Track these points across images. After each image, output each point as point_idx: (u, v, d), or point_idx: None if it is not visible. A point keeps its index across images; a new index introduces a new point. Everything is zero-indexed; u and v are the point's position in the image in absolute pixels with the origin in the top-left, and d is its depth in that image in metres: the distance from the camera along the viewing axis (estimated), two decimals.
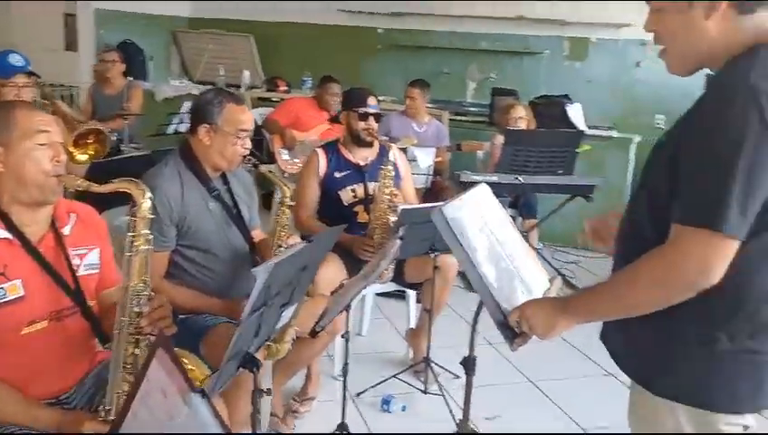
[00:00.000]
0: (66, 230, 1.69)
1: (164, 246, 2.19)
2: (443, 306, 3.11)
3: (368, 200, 3.13)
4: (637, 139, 5.21)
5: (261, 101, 6.14)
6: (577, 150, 4.07)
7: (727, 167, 1.16)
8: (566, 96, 5.27)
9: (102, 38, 6.63)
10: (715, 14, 1.25)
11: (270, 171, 2.49)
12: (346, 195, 3.14)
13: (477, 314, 1.95)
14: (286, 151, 4.87)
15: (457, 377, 3.12)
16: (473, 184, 4.04)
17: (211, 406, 1.09)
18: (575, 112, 5.06)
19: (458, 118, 5.86)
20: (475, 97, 6.73)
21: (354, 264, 2.98)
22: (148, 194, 1.57)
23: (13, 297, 1.53)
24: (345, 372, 2.36)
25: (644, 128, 5.91)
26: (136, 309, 1.53)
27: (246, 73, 6.40)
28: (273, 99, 6.17)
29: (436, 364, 3.06)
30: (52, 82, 6.15)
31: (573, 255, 5.03)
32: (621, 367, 1.50)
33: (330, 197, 3.13)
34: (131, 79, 5.38)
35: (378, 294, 3.53)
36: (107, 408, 1.52)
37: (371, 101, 3.15)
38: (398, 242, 2.30)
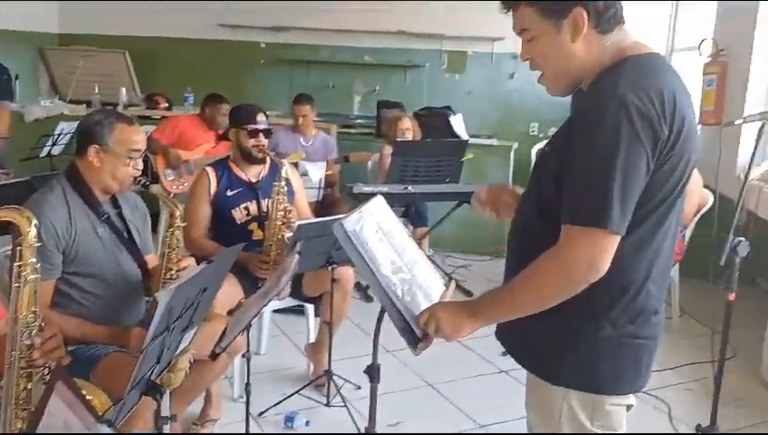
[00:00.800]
0: None
1: (50, 275, 2.08)
2: (343, 318, 3.14)
3: (262, 217, 3.11)
4: (515, 146, 5.50)
5: (140, 120, 5.87)
6: (462, 159, 4.25)
7: (606, 170, 1.28)
8: (448, 107, 5.49)
9: None
10: (579, 37, 1.38)
11: (162, 194, 2.42)
12: (239, 213, 3.11)
13: (379, 323, 1.99)
14: (171, 171, 4.73)
15: (359, 388, 3.16)
16: (365, 195, 4.16)
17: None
18: (457, 122, 5.27)
19: (346, 130, 5.93)
20: (361, 109, 6.86)
21: (250, 282, 2.96)
22: (34, 221, 1.49)
23: None
24: (248, 393, 2.34)
25: (520, 135, 6.27)
26: (26, 341, 1.45)
27: (123, 91, 6.15)
28: (154, 117, 5.97)
29: (337, 376, 3.08)
30: None
31: (463, 259, 5.23)
32: (518, 361, 1.61)
33: (222, 216, 3.08)
34: None
35: (274, 311, 3.51)
36: None
37: (260, 117, 3.14)
38: (297, 257, 2.32)
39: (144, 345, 1.36)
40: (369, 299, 4.34)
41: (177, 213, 2.23)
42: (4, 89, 6.10)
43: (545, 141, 5.85)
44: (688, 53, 5.26)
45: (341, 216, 1.65)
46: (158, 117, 5.85)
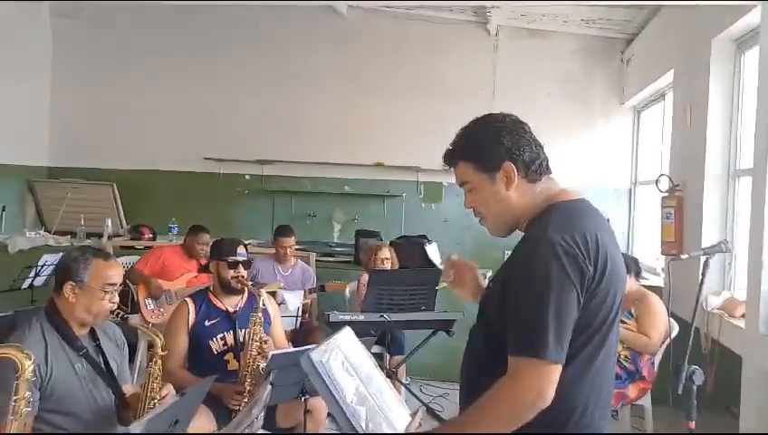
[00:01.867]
0: None
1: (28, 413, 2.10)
2: None
3: (237, 348, 3.17)
4: (489, 273, 5.64)
5: (125, 250, 6.04)
6: (437, 287, 4.37)
7: (541, 305, 1.43)
8: (424, 236, 5.69)
9: None
10: (512, 186, 1.59)
11: (141, 325, 2.49)
12: (216, 344, 3.17)
13: None
14: (151, 301, 4.79)
15: None
16: (341, 323, 4.22)
17: None
18: (432, 251, 5.45)
19: (325, 258, 6.08)
20: (340, 238, 7.06)
21: (225, 414, 2.97)
22: (33, 357, 1.58)
23: None
24: None
25: (494, 262, 6.33)
26: None
27: (109, 222, 6.32)
28: (138, 247, 6.11)
29: None
30: None
31: (441, 388, 5.22)
32: None
33: (199, 346, 3.14)
34: None
35: None
36: None
37: (240, 249, 3.29)
38: (269, 387, 2.36)
39: None
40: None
41: (159, 342, 2.30)
42: None
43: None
44: (649, 186, 5.58)
45: (311, 346, 1.74)
46: (142, 247, 5.98)
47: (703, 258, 2.48)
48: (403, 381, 4.72)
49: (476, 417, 1.51)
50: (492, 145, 1.61)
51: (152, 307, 4.74)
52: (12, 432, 1.57)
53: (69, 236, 6.28)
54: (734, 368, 3.61)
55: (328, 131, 7.05)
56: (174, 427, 1.69)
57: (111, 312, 2.35)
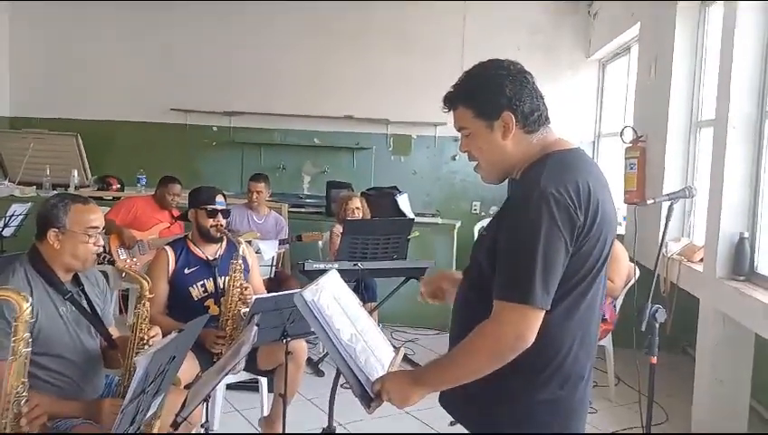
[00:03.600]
0: None
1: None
2: (296, 390, 3.23)
3: (218, 294, 3.23)
4: (458, 224, 5.79)
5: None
6: (408, 237, 4.49)
7: (529, 253, 1.48)
8: (395, 187, 5.77)
9: None
10: (509, 135, 1.62)
11: (128, 268, 2.52)
12: (196, 290, 3.23)
13: (333, 391, 2.12)
14: (124, 250, 4.80)
15: None
16: (316, 272, 4.30)
17: None
18: (404, 202, 5.54)
19: (296, 210, 6.13)
20: (310, 190, 7.11)
21: (206, 357, 3.05)
22: (31, 300, 1.62)
23: None
24: None
25: (463, 214, 6.60)
26: (15, 410, 1.55)
27: (75, 173, 6.23)
28: (106, 197, 6.05)
29: None
30: None
31: (411, 333, 5.39)
32: (460, 422, 1.77)
33: (180, 293, 3.19)
34: None
35: (227, 387, 3.56)
36: None
37: (219, 198, 3.32)
38: (255, 329, 2.44)
39: (122, 407, 1.47)
40: (320, 374, 4.43)
41: (146, 285, 2.35)
42: None
43: (487, 220, 6.15)
44: (613, 138, 5.74)
45: (298, 290, 1.81)
46: (110, 198, 5.93)
47: (667, 204, 2.61)
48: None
49: (459, 356, 1.59)
50: (493, 93, 1.60)
51: (124, 257, 4.75)
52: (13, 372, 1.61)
53: (34, 187, 6.17)
54: (691, 310, 3.84)
55: (297, 83, 7.01)
56: (171, 363, 1.76)
57: (98, 256, 2.37)
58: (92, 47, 7.12)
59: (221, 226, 3.29)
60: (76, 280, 2.43)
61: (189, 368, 2.90)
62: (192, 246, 3.30)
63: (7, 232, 4.89)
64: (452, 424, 3.79)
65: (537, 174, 1.55)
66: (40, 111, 7.18)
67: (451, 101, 1.69)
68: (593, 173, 1.62)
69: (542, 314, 1.51)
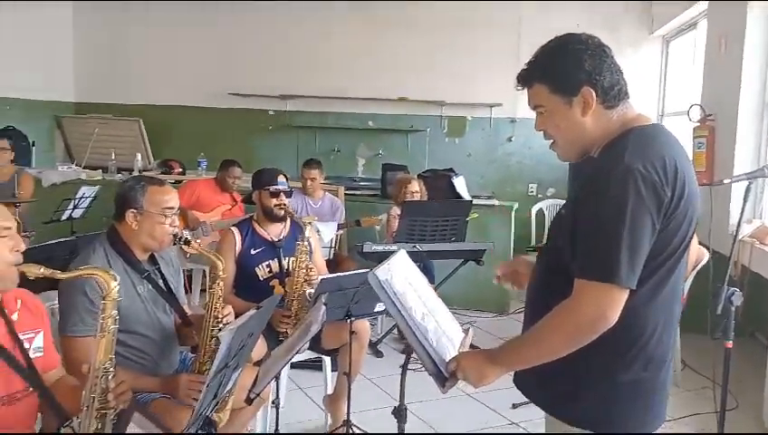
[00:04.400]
0: (14, 316, 1.74)
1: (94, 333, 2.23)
2: (359, 369, 3.27)
3: (282, 274, 3.29)
4: (515, 206, 5.73)
5: None
6: (467, 218, 4.46)
7: (615, 231, 1.44)
8: (451, 169, 5.73)
9: None
10: (589, 111, 1.57)
11: (204, 249, 2.58)
12: (261, 270, 3.29)
13: (404, 368, 2.13)
14: (188, 232, 4.91)
15: None
16: (375, 253, 4.31)
17: None
18: (460, 184, 5.50)
19: (351, 192, 6.16)
20: (365, 172, 7.13)
21: (273, 335, 3.11)
22: (118, 278, 1.68)
23: None
24: None
25: (520, 196, 6.52)
26: (102, 385, 1.61)
27: (138, 156, 6.41)
28: (168, 181, 6.19)
29: (355, 426, 3.18)
30: None
31: (468, 316, 5.37)
32: (537, 403, 1.76)
33: (246, 273, 3.25)
34: (20, 167, 5.26)
35: (291, 366, 3.63)
36: None
37: (281, 178, 3.37)
38: (324, 308, 2.48)
39: (208, 380, 1.52)
40: (379, 354, 4.47)
41: (221, 265, 2.41)
42: (23, 155, 6.36)
43: (544, 202, 6.03)
44: (677, 117, 5.56)
45: (366, 269, 1.81)
46: (173, 181, 6.08)
47: (740, 184, 2.52)
48: None
49: (538, 335, 1.57)
50: (572, 68, 1.55)
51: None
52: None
53: (100, 171, 6.38)
54: (761, 294, 3.71)
55: (352, 66, 7.02)
56: (249, 339, 1.80)
57: (174, 236, 2.43)
58: (153, 33, 7.27)
59: (284, 205, 3.34)
60: (152, 259, 2.50)
61: (258, 346, 2.95)
62: (257, 228, 3.36)
63: (77, 214, 5.07)
64: (514, 407, 3.79)
65: (620, 150, 1.51)
66: (103, 96, 7.40)
67: (525, 78, 1.64)
68: (677, 149, 1.57)
69: (627, 293, 1.47)
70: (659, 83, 6.53)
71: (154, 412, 2.09)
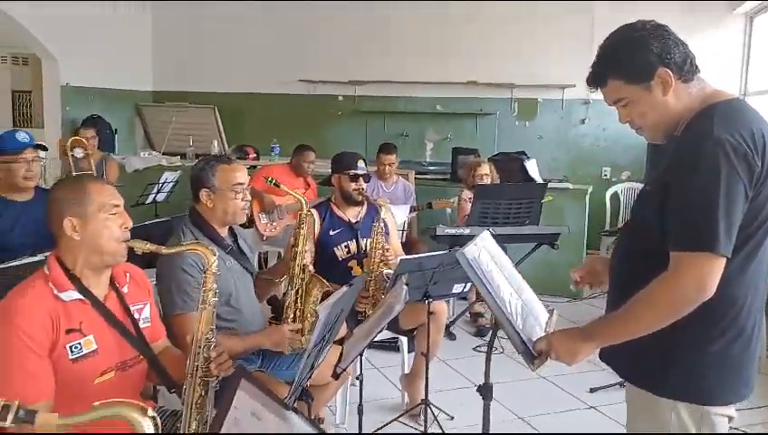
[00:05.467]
0: (125, 289, 1.86)
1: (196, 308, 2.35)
2: (437, 350, 3.32)
3: (360, 255, 3.36)
4: (590, 189, 5.64)
5: None
6: (542, 201, 4.42)
7: (710, 201, 1.46)
8: (523, 152, 5.67)
9: (68, 114, 6.77)
10: (669, 90, 1.59)
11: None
12: (340, 251, 3.36)
13: (490, 347, 2.15)
14: (264, 215, 5.06)
15: (452, 418, 3.31)
16: (447, 237, 4.32)
17: (306, 418, 1.28)
18: (532, 167, 5.44)
19: (420, 177, 6.19)
20: (433, 157, 7.12)
21: (351, 315, 3.18)
22: (217, 253, 1.78)
23: (88, 351, 1.69)
24: (360, 412, 2.54)
25: (593, 179, 6.39)
26: (205, 355, 1.71)
27: (215, 143, 6.62)
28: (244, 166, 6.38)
29: (434, 406, 3.23)
30: None
31: (543, 301, 5.28)
32: (625, 377, 1.77)
33: (325, 253, 3.33)
34: (106, 153, 5.52)
35: (367, 346, 3.70)
36: None
37: (360, 163, 3.42)
38: (405, 288, 2.52)
39: (307, 352, 1.59)
40: (452, 337, 4.50)
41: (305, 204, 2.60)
42: (107, 142, 6.67)
43: (619, 185, 5.90)
44: (761, 96, 5.33)
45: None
46: (248, 166, 6.25)
47: None
48: None
49: (635, 310, 1.58)
50: (641, 55, 1.59)
51: (265, 221, 5.01)
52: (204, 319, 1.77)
53: (179, 157, 6.62)
54: None
55: (420, 51, 7.01)
56: (340, 315, 1.86)
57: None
58: (225, 24, 7.45)
59: (362, 189, 3.40)
60: (232, 235, 2.62)
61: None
62: (335, 209, 3.43)
63: (160, 197, 5.30)
64: (592, 391, 3.75)
65: (706, 124, 1.53)
66: (180, 85, 7.65)
67: (597, 78, 1.67)
68: (762, 120, 1.58)
69: (724, 262, 1.48)
70: (742, 61, 6.26)
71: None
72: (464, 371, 3.94)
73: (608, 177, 6.60)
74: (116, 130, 7.15)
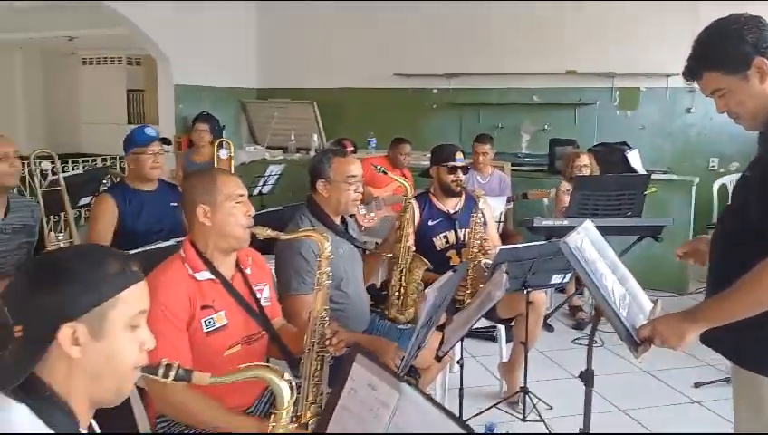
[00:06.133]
0: (248, 270, 2.04)
1: (311, 290, 2.51)
2: (536, 339, 3.35)
3: (459, 245, 3.44)
4: (696, 180, 5.44)
5: None
6: (645, 193, 4.32)
7: None
8: (625, 143, 5.55)
9: (181, 111, 7.21)
10: (767, 78, 1.65)
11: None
12: (439, 241, 3.46)
13: (592, 335, 2.18)
14: (363, 206, 5.22)
15: (551, 408, 3.33)
16: (545, 228, 4.32)
17: (420, 392, 1.38)
18: (634, 158, 5.31)
19: (515, 168, 6.17)
20: (529, 148, 7.06)
21: (450, 303, 3.27)
22: (330, 239, 1.92)
23: (219, 325, 1.88)
24: (461, 396, 2.63)
25: (699, 170, 6.14)
26: (320, 332, 1.86)
27: (315, 137, 6.86)
28: None
29: (533, 395, 3.26)
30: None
31: (646, 294, 5.20)
32: (731, 358, 1.80)
33: (424, 243, 3.43)
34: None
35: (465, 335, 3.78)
36: (297, 414, 1.83)
37: (459, 155, 3.50)
38: (506, 276, 2.58)
39: (416, 331, 1.69)
40: (549, 329, 4.50)
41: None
42: (217, 137, 7.05)
43: (727, 177, 5.67)
44: None
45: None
46: None
47: None
48: None
49: (743, 290, 1.60)
50: (737, 47, 1.65)
51: (363, 212, 5.17)
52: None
53: (281, 151, 6.91)
54: None
55: (516, 41, 6.95)
56: (445, 299, 1.95)
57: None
58: (323, 22, 7.66)
59: (461, 181, 3.47)
60: (344, 223, 2.77)
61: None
62: (434, 200, 3.52)
63: (266, 189, 5.58)
64: (697, 386, 3.67)
65: None
66: (281, 82, 7.96)
67: (693, 71, 1.74)
68: None
69: None
70: None
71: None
72: (562, 362, 3.94)
73: (715, 168, 6.32)
74: (223, 125, 7.54)
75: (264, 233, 1.95)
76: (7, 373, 0.99)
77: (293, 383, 1.23)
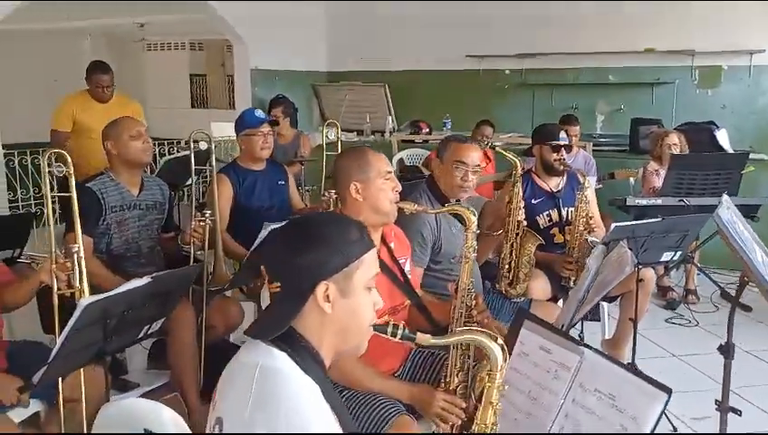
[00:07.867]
0: (392, 244, 2.11)
1: (423, 264, 2.59)
2: (644, 315, 3.36)
3: (562, 223, 3.46)
4: None
5: (405, 143, 6.65)
6: (742, 172, 4.25)
7: None
8: (712, 122, 5.44)
9: (257, 94, 7.35)
10: None
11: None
12: (542, 219, 3.49)
13: (734, 307, 2.19)
14: None
15: None
16: (637, 208, 4.28)
17: (597, 351, 1.43)
18: (723, 137, 5.21)
19: (595, 148, 6.10)
20: (604, 129, 6.98)
21: (556, 279, 3.31)
22: (476, 213, 1.98)
23: None
24: None
25: None
26: (468, 303, 1.92)
27: (389, 119, 6.92)
28: (416, 140, 6.64)
29: (640, 372, 3.27)
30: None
31: (731, 276, 5.11)
32: None
33: (528, 222, 3.46)
34: (300, 130, 5.97)
35: None
36: (446, 380, 1.91)
37: (562, 134, 3.50)
38: (629, 252, 2.59)
39: (577, 299, 1.73)
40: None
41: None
42: (293, 120, 7.19)
43: None
44: None
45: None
46: (420, 141, 6.50)
47: None
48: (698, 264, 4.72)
49: None
50: None
51: None
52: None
53: (355, 133, 7.00)
54: None
55: (589, 20, 6.83)
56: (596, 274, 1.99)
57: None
58: (393, 6, 7.65)
59: (564, 160, 3.48)
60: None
61: (544, 286, 3.20)
62: (537, 179, 3.55)
63: None
64: None
65: None
66: (352, 65, 8.03)
67: None
68: None
69: None
70: None
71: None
72: (660, 341, 3.94)
73: None
74: (297, 108, 7.66)
75: (412, 208, 2.02)
76: (271, 324, 1.09)
77: (506, 348, 1.29)
